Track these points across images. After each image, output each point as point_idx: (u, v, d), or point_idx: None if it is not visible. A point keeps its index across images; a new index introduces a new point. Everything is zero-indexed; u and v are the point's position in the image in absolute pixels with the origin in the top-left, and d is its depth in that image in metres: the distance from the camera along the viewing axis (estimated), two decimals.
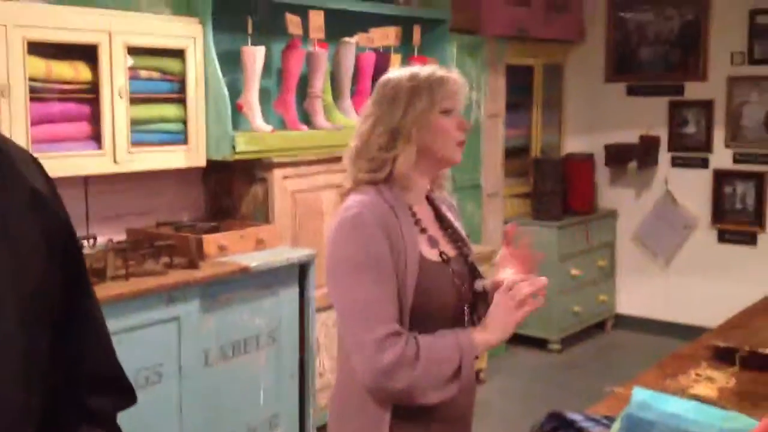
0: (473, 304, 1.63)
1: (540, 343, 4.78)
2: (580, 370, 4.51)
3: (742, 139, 4.85)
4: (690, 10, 4.96)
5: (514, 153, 5.01)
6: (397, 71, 1.66)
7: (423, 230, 1.62)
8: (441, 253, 1.62)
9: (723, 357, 2.15)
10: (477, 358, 1.59)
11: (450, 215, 1.74)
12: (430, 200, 1.72)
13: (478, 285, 1.65)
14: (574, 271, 4.82)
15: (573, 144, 5.36)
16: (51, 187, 0.99)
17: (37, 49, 2.55)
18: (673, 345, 2.41)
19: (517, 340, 4.78)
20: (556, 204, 4.81)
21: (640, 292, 5.19)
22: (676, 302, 5.02)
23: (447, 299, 1.57)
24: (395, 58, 3.77)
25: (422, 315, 1.53)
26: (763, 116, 4.78)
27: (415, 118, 1.57)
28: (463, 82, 1.66)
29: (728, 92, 4.86)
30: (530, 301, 1.55)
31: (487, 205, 4.54)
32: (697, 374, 2.06)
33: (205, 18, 3.02)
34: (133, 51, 2.80)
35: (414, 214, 1.62)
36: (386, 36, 3.75)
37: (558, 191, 4.83)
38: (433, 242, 1.62)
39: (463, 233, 1.75)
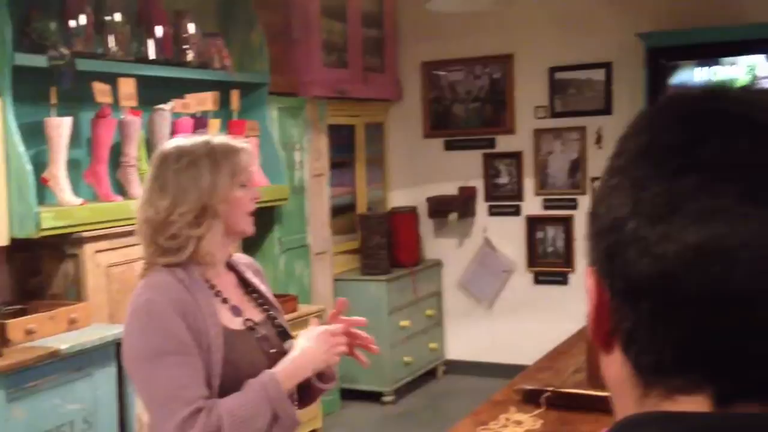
0: None
1: (374, 396, 4.83)
2: (414, 419, 4.59)
3: (549, 186, 5.20)
4: (496, 69, 5.30)
5: (342, 210, 5.11)
6: (181, 141, 1.65)
7: (224, 300, 1.62)
8: (246, 321, 1.63)
9: (530, 399, 2.28)
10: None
11: (256, 279, 1.75)
12: (231, 266, 1.72)
13: (288, 345, 1.67)
14: (403, 323, 4.94)
15: (398, 198, 5.54)
16: None
17: None
18: (501, 385, 2.52)
19: (351, 395, 4.80)
20: (383, 258, 4.93)
21: (468, 337, 5.39)
22: (500, 344, 5.25)
23: (256, 366, 1.58)
24: (213, 123, 3.77)
25: (233, 385, 1.52)
26: (567, 165, 5.16)
27: (223, 194, 1.58)
28: (252, 151, 1.70)
29: (535, 144, 5.21)
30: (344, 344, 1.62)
31: (315, 264, 4.58)
32: (507, 419, 2.17)
33: (3, 89, 2.89)
34: None
35: (213, 287, 1.61)
36: (203, 101, 3.74)
37: (384, 245, 4.96)
38: (236, 311, 1.63)
39: (270, 296, 1.76)
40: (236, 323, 1.61)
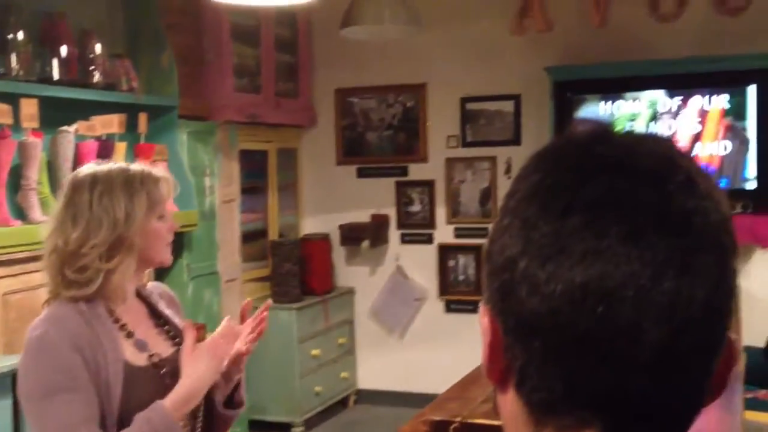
0: None
1: (283, 427, 4.75)
2: None
3: (461, 215, 5.28)
4: (409, 98, 5.37)
5: (253, 237, 5.04)
6: (96, 167, 1.59)
7: (129, 334, 1.57)
8: (151, 356, 1.58)
9: (438, 430, 2.28)
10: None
11: (170, 310, 1.70)
12: (143, 297, 1.67)
13: None
14: (314, 352, 4.89)
15: (310, 225, 5.51)
16: None
17: None
18: (412, 414, 2.52)
19: (260, 426, 4.71)
20: (294, 286, 4.88)
21: (379, 366, 5.38)
22: (412, 372, 5.26)
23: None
24: (120, 147, 3.67)
25: (131, 421, 1.47)
26: (477, 194, 5.25)
27: (139, 226, 1.53)
28: (173, 181, 1.66)
29: (447, 172, 5.28)
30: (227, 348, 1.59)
31: (224, 292, 4.50)
32: None
33: None
34: None
35: (118, 320, 1.56)
36: (109, 124, 3.64)
37: (296, 273, 4.91)
38: (141, 346, 1.58)
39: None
40: (140, 359, 1.56)
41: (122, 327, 1.56)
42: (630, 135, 0.62)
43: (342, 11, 3.96)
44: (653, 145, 0.61)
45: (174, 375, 1.58)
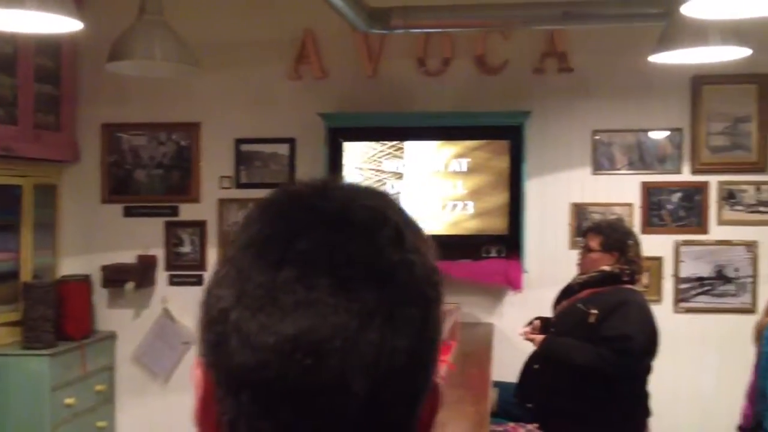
0: None
1: None
2: None
3: None
4: (182, 136, 5.23)
5: (2, 278, 4.62)
6: None
7: None
8: None
9: None
10: None
11: None
12: None
13: None
14: (68, 401, 4.55)
15: (70, 266, 5.16)
16: None
17: None
18: None
19: None
20: (48, 330, 4.53)
21: (141, 413, 5.12)
22: (176, 419, 4.99)
23: None
24: None
25: None
26: None
27: None
28: None
29: (219, 213, 5.19)
30: None
31: None
32: None
33: None
34: None
35: None
36: None
37: (50, 317, 4.56)
38: None
39: None
40: None
41: None
42: (348, 188, 0.64)
43: (111, 43, 3.79)
44: (368, 198, 0.62)
45: None
